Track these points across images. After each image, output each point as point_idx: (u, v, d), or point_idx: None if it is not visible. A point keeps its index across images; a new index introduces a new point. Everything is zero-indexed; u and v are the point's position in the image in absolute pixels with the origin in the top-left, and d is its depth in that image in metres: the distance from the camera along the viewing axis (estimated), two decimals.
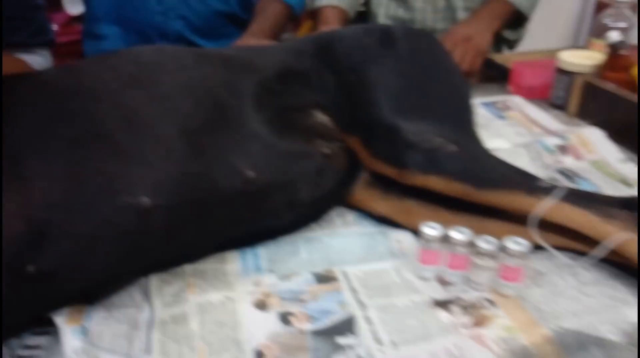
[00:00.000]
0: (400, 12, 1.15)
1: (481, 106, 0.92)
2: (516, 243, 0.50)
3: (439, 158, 0.56)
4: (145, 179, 0.46)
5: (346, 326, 0.48)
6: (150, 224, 0.46)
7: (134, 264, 0.50)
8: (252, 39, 1.02)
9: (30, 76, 0.56)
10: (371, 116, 0.61)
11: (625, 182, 0.70)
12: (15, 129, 0.46)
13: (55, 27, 1.32)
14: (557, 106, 0.91)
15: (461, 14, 1.12)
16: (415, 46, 0.68)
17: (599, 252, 0.51)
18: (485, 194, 0.54)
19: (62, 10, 1.44)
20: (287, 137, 0.58)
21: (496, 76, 1.02)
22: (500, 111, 0.90)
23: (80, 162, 0.45)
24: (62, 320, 0.46)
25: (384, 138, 0.59)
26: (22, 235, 0.42)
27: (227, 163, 0.51)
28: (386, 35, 0.67)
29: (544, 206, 0.52)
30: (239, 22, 1.20)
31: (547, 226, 0.55)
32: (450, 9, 1.13)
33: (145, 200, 0.45)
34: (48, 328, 0.47)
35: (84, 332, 0.45)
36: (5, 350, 0.45)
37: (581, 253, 0.55)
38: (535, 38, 1.45)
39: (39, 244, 0.43)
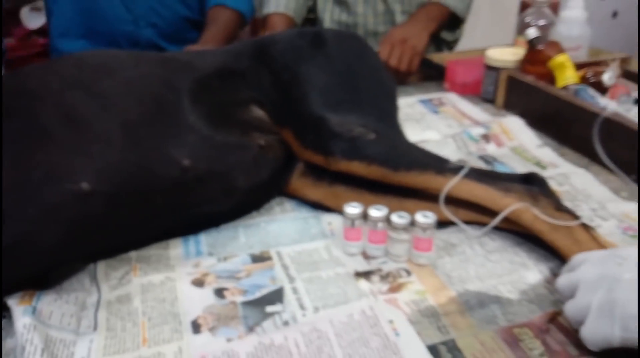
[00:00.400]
0: (344, 17, 1.23)
1: (418, 103, 1.00)
2: (424, 217, 0.56)
3: (360, 145, 0.62)
4: (85, 168, 0.51)
5: (275, 296, 0.54)
6: (91, 208, 0.51)
7: (79, 248, 0.54)
8: (204, 46, 1.08)
9: None
10: (302, 110, 0.67)
11: (540, 165, 0.78)
12: None
13: (12, 41, 1.35)
14: (488, 99, 0.99)
15: (399, 17, 1.20)
16: (344, 47, 0.74)
17: (496, 221, 0.58)
18: (401, 175, 0.61)
19: (20, 25, 1.47)
20: (224, 129, 0.63)
21: (434, 75, 1.10)
22: (435, 106, 0.98)
23: (25, 154, 0.49)
24: (14, 302, 0.50)
25: (312, 129, 0.65)
26: None
27: (164, 152, 0.56)
28: (317, 38, 0.74)
29: (451, 184, 0.59)
30: (201, 27, 1.26)
31: (457, 202, 0.61)
32: (389, 12, 1.21)
33: (85, 185, 0.50)
34: (4, 313, 0.52)
35: (34, 311, 0.50)
36: None
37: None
38: (481, 37, 1.54)
39: None
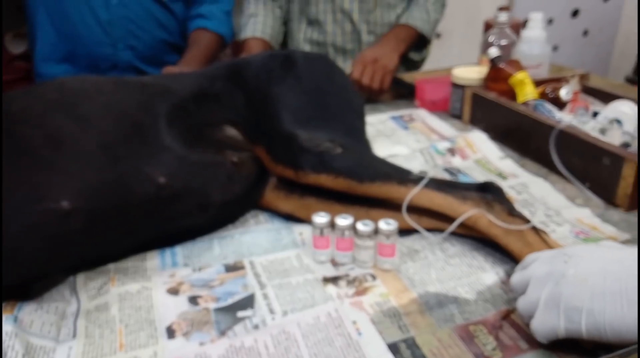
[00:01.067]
0: (315, 35, 1.29)
1: (390, 119, 1.05)
2: (387, 224, 0.60)
3: (328, 159, 0.66)
4: (65, 187, 0.54)
5: (246, 302, 0.57)
6: (71, 225, 0.54)
7: (59, 262, 0.57)
8: (185, 67, 1.12)
9: None
10: (273, 127, 0.71)
11: (501, 175, 0.82)
12: None
13: None
14: (455, 116, 1.04)
15: (365, 37, 1.27)
16: (313, 68, 0.79)
17: (453, 226, 0.62)
18: (366, 187, 0.65)
19: (4, 50, 1.50)
20: (198, 148, 0.67)
21: (405, 93, 1.15)
22: (405, 123, 1.03)
23: (7, 174, 0.52)
24: None
25: (283, 145, 0.69)
26: None
27: (141, 171, 0.59)
28: (287, 60, 0.78)
29: (412, 194, 0.63)
30: (180, 50, 1.30)
31: (419, 211, 0.65)
32: (355, 32, 1.27)
33: (65, 204, 0.53)
34: None
35: (16, 320, 0.52)
36: None
37: (451, 233, 0.65)
38: (456, 56, 1.60)
39: None
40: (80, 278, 0.61)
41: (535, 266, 0.50)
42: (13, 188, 0.52)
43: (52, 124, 0.57)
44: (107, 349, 0.52)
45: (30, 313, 0.54)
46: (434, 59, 1.51)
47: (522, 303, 0.50)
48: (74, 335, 0.53)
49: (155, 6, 1.25)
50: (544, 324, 0.47)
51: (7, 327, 0.50)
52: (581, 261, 0.47)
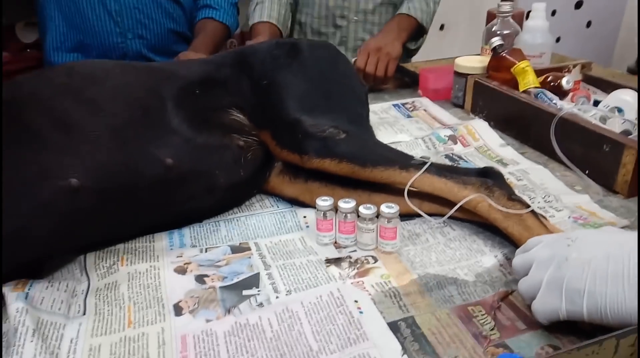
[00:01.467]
0: (299, 17, 1.34)
1: (393, 107, 1.06)
2: (388, 207, 0.61)
3: (332, 144, 0.67)
4: (74, 166, 0.55)
5: (251, 281, 0.58)
6: (80, 203, 0.55)
7: (69, 240, 0.59)
8: (193, 53, 1.14)
9: None
10: (279, 113, 0.72)
11: (502, 162, 0.83)
12: None
13: (7, 55, 1.40)
14: (457, 104, 1.05)
15: (339, 21, 1.32)
16: (318, 56, 0.80)
17: (454, 210, 0.63)
18: (369, 171, 0.66)
19: (16, 39, 1.52)
20: (205, 132, 0.68)
21: (409, 82, 1.16)
22: (408, 111, 1.04)
23: (18, 156, 0.54)
24: (8, 289, 0.55)
25: (288, 130, 0.70)
26: None
27: (149, 152, 0.61)
28: (293, 48, 0.79)
29: (414, 178, 0.64)
30: (188, 40, 1.32)
31: (421, 195, 0.67)
32: (330, 16, 1.33)
33: (74, 181, 0.54)
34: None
35: (27, 297, 0.54)
36: None
37: (451, 217, 0.67)
38: (461, 47, 1.60)
39: None
40: (90, 257, 0.63)
41: (538, 249, 0.51)
42: (22, 169, 0.54)
43: (60, 107, 0.59)
44: (116, 325, 0.53)
45: (41, 290, 0.56)
46: (438, 49, 1.52)
47: (524, 285, 0.51)
48: (84, 312, 0.55)
49: None
50: (546, 305, 0.48)
51: (18, 304, 0.52)
52: (584, 244, 0.48)
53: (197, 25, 1.31)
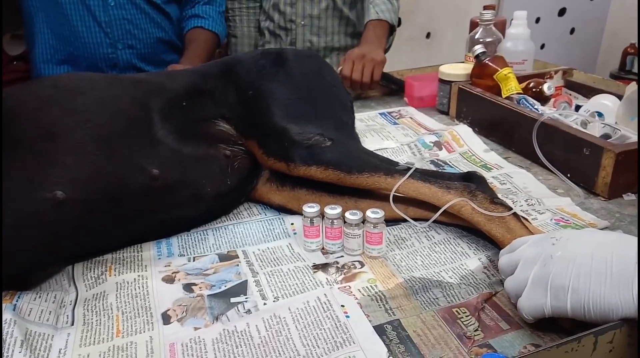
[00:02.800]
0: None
1: (379, 115, 1.07)
2: (374, 213, 0.62)
3: (317, 151, 0.68)
4: (60, 177, 0.56)
5: (239, 289, 0.59)
6: (66, 215, 0.56)
7: (56, 251, 0.59)
8: (188, 62, 1.15)
9: None
10: (265, 122, 0.73)
11: (486, 167, 0.85)
12: None
13: None
14: (442, 111, 1.07)
15: (289, 24, 1.39)
16: (303, 65, 0.81)
17: (438, 213, 0.64)
18: (354, 178, 0.67)
19: (2, 51, 1.51)
20: (192, 142, 0.69)
21: (395, 90, 1.17)
22: (394, 119, 1.05)
23: (4, 166, 0.54)
24: None
25: (274, 138, 0.71)
26: None
27: (135, 163, 0.61)
28: (278, 57, 0.80)
29: (398, 184, 0.65)
30: (177, 48, 1.33)
31: (406, 201, 0.68)
32: (284, 20, 1.39)
33: (60, 193, 0.55)
34: None
35: (15, 308, 0.54)
36: None
37: (436, 221, 0.68)
38: (447, 55, 1.63)
39: None
40: (79, 268, 0.63)
41: (524, 248, 0.52)
42: (8, 180, 0.54)
43: (46, 118, 0.59)
44: (104, 335, 0.53)
45: (29, 301, 0.56)
46: (424, 57, 1.55)
47: (510, 284, 0.52)
48: (72, 323, 0.55)
49: (150, 7, 1.27)
50: (531, 302, 0.49)
51: (6, 315, 0.52)
52: (568, 243, 0.49)
53: (188, 35, 1.32)
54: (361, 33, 1.27)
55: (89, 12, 1.22)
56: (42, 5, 1.23)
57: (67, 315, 0.56)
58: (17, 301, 0.55)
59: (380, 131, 0.98)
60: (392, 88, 1.19)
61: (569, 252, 0.48)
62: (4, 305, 0.54)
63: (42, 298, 0.58)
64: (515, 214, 0.62)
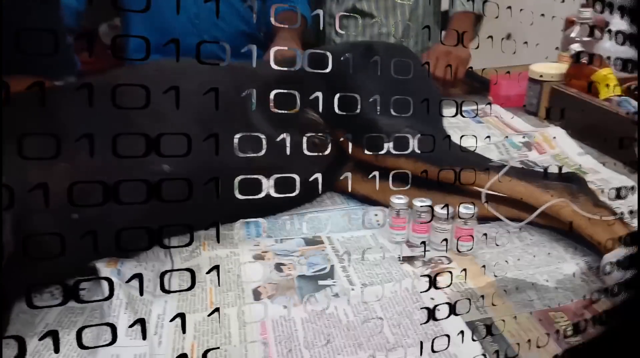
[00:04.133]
0: None
1: (463, 113, 1.04)
2: (466, 208, 0.61)
3: (407, 143, 0.67)
4: (165, 152, 0.58)
5: (327, 273, 0.60)
6: (169, 188, 0.58)
7: (157, 223, 0.62)
8: (283, 42, 1.18)
9: None
10: (353, 114, 0.73)
11: (581, 170, 0.80)
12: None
13: (87, 55, 1.50)
14: (530, 111, 1.02)
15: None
16: (392, 58, 0.80)
17: (535, 213, 0.61)
18: (445, 172, 0.65)
19: (98, 40, 1.62)
20: (282, 129, 0.70)
21: (479, 88, 1.14)
22: (479, 117, 1.02)
23: (120, 145, 0.58)
24: (101, 265, 0.59)
25: (362, 130, 0.71)
26: (69, 191, 0.55)
27: (231, 146, 0.63)
28: (368, 50, 0.80)
29: (492, 181, 0.63)
30: (257, 40, 1.37)
31: (498, 198, 0.66)
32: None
33: (166, 167, 0.58)
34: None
35: (119, 273, 0.58)
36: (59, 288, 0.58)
37: (529, 222, 0.65)
38: (528, 54, 1.56)
39: (83, 197, 0.55)
40: (174, 242, 0.66)
41: None
42: (121, 151, 0.57)
43: (155, 99, 0.62)
44: (198, 305, 0.56)
45: (131, 268, 0.60)
46: (505, 56, 1.48)
47: None
48: (168, 292, 0.58)
49: (237, 0, 1.32)
50: None
51: (113, 278, 0.56)
52: None
53: (279, 17, 1.34)
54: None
55: (180, 3, 1.28)
56: None
57: (164, 284, 0.59)
58: (120, 266, 0.59)
59: (464, 129, 0.96)
60: (475, 86, 1.16)
61: None
62: (109, 269, 0.58)
63: (142, 266, 0.61)
64: (621, 219, 0.58)
